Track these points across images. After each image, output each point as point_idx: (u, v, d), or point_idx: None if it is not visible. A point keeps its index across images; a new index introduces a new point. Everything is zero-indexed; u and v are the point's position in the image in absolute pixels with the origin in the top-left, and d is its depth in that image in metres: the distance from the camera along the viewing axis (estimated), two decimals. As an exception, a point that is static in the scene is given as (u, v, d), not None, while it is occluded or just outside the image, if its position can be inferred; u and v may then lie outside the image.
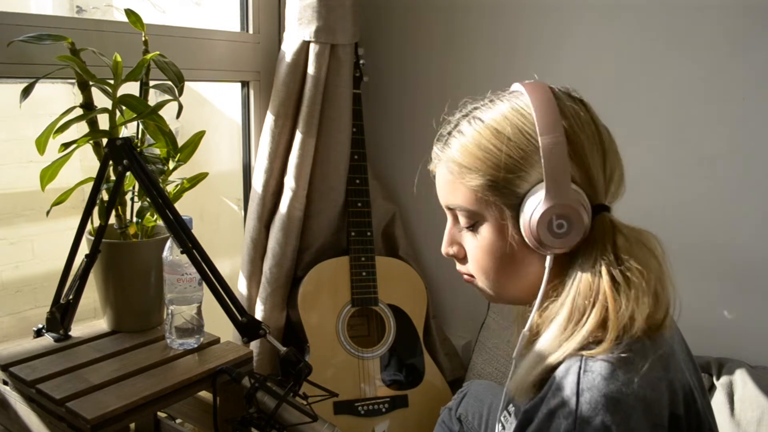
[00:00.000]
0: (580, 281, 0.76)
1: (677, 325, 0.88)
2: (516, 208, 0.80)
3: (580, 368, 0.72)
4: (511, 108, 0.82)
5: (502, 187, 0.81)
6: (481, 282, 0.90)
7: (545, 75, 1.84)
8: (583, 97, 0.85)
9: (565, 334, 0.76)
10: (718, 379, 1.49)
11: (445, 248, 0.93)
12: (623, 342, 0.73)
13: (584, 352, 0.74)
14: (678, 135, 1.65)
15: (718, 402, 1.45)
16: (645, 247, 0.77)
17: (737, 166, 1.57)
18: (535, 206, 0.77)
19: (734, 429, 1.41)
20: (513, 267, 0.85)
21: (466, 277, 0.92)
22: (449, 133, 0.88)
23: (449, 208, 0.89)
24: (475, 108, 0.87)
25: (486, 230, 0.84)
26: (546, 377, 0.77)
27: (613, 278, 0.74)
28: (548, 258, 0.80)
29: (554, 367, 0.76)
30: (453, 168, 0.85)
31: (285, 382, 1.15)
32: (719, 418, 1.42)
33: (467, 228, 0.87)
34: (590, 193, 0.78)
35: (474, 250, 0.87)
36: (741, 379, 1.45)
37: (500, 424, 0.98)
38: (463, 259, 0.91)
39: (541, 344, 0.79)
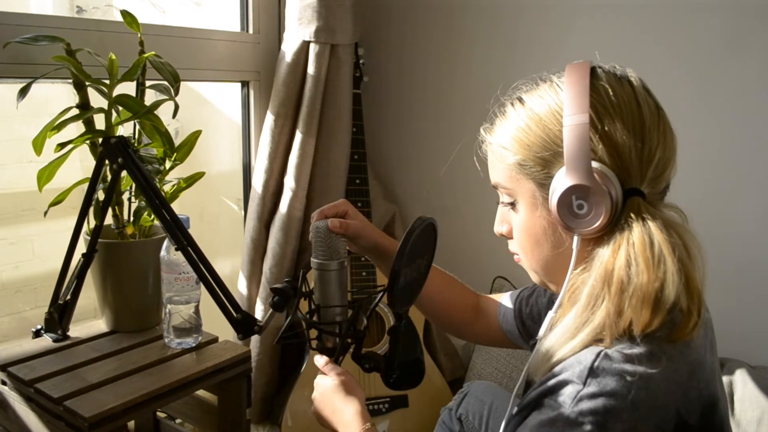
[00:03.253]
0: (600, 266, 0.75)
1: (713, 332, 0.87)
2: (546, 188, 0.80)
3: (599, 354, 0.72)
4: (549, 89, 0.82)
5: (532, 166, 0.81)
6: (524, 262, 0.90)
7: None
8: (632, 75, 0.83)
9: (581, 319, 0.76)
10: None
11: (496, 227, 0.93)
12: (649, 341, 0.73)
13: (604, 345, 0.74)
14: (680, 136, 1.64)
15: (718, 402, 1.44)
16: (680, 241, 0.75)
17: (737, 166, 1.57)
18: (557, 186, 0.77)
19: (734, 429, 1.40)
20: (548, 248, 0.84)
21: (515, 257, 0.92)
22: (494, 114, 0.88)
23: (495, 187, 0.90)
24: (521, 89, 0.86)
25: (522, 209, 0.85)
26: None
27: (629, 266, 0.72)
28: (575, 239, 0.79)
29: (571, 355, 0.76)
30: (493, 147, 0.86)
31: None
32: (719, 418, 1.42)
33: (509, 205, 0.88)
34: (622, 175, 0.76)
35: (515, 229, 0.88)
36: (741, 379, 1.44)
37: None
38: (512, 239, 0.92)
39: (559, 330, 0.79)
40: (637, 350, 0.72)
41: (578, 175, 0.75)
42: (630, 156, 0.76)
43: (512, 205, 0.87)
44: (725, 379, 1.46)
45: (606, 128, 0.76)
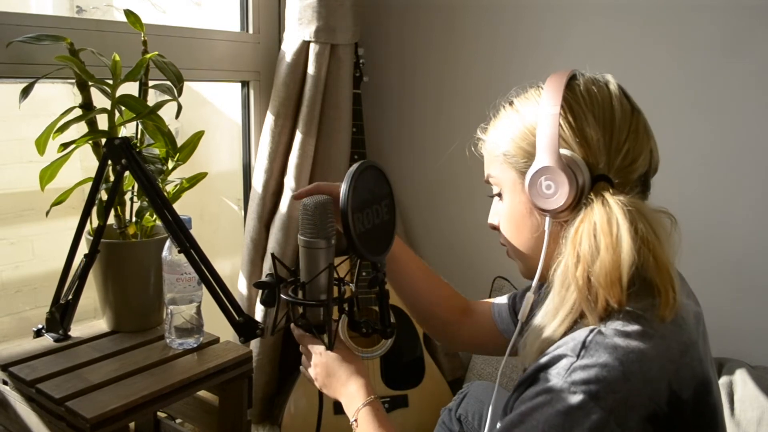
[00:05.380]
0: (568, 246, 0.81)
1: (705, 326, 0.91)
2: (524, 175, 0.87)
3: (593, 330, 0.77)
4: (535, 92, 0.91)
5: (514, 155, 0.89)
6: (510, 251, 0.96)
7: (545, 74, 1.84)
8: (611, 80, 0.89)
9: (558, 299, 0.81)
10: (718, 379, 1.49)
11: (489, 219, 0.99)
12: (641, 321, 0.77)
13: (594, 324, 0.78)
14: (677, 135, 1.65)
15: (718, 402, 1.45)
16: (645, 221, 0.80)
17: (736, 166, 1.57)
18: (530, 170, 0.85)
19: (734, 429, 1.41)
20: (528, 232, 0.90)
21: (507, 250, 0.97)
22: (490, 116, 0.97)
23: (487, 181, 0.97)
24: (513, 94, 0.95)
25: (507, 197, 0.93)
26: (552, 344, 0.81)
27: (591, 242, 0.78)
28: (547, 220, 0.85)
29: (559, 337, 0.81)
30: (486, 143, 0.95)
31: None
32: (719, 418, 1.42)
33: (497, 196, 0.95)
34: (590, 162, 0.83)
35: (501, 218, 0.95)
36: (741, 379, 1.45)
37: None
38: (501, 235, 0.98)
39: (540, 314, 0.85)
40: (630, 328, 0.76)
41: (546, 157, 0.82)
42: (598, 145, 0.83)
43: (500, 195, 0.94)
44: (725, 379, 1.47)
45: (576, 120, 0.84)
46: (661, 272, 0.79)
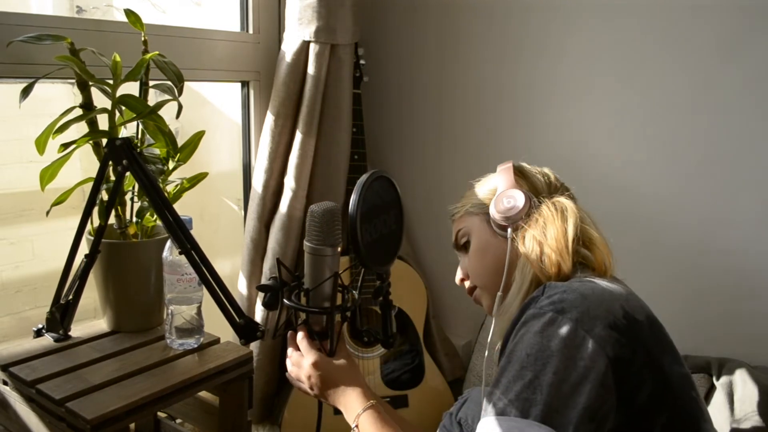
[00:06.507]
0: (525, 237, 1.01)
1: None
2: (488, 215, 1.08)
3: (547, 283, 0.94)
4: (491, 173, 1.15)
5: (479, 204, 1.11)
6: (480, 286, 1.12)
7: (545, 76, 1.84)
8: (546, 168, 1.16)
9: (522, 275, 1.01)
10: (718, 379, 1.49)
11: (457, 278, 1.18)
12: (583, 274, 0.97)
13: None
14: (676, 137, 1.65)
15: (718, 402, 1.45)
16: (582, 210, 1.06)
17: (735, 168, 1.57)
18: (494, 199, 1.08)
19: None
20: (492, 254, 1.08)
21: (474, 293, 1.15)
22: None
23: (456, 242, 1.16)
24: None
25: (474, 236, 1.12)
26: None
27: (542, 226, 1.01)
28: (509, 231, 1.04)
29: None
30: (455, 211, 1.17)
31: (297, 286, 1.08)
32: (719, 418, 1.42)
33: (463, 248, 1.14)
34: (535, 194, 1.08)
35: (469, 261, 1.12)
36: (741, 379, 1.45)
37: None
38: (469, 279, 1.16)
39: (510, 293, 1.03)
40: (575, 276, 0.96)
41: (504, 185, 1.07)
42: (542, 186, 1.10)
43: (466, 245, 1.13)
44: (725, 379, 1.47)
45: (523, 173, 1.11)
46: (597, 243, 1.01)
